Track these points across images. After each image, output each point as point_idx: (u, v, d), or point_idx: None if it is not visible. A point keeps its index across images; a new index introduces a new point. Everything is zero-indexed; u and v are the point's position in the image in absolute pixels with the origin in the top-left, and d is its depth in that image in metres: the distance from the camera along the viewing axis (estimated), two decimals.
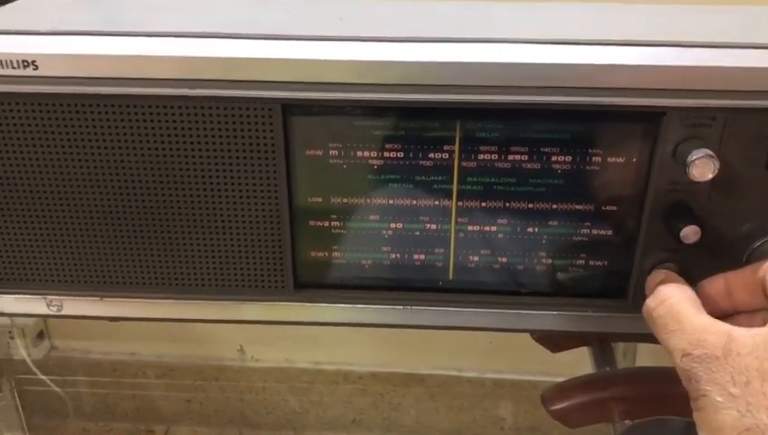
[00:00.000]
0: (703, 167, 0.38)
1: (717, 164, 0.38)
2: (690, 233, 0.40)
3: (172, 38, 0.40)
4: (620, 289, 0.45)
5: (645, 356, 0.89)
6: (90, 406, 1.11)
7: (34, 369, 1.05)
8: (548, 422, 1.04)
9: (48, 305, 0.47)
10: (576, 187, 0.43)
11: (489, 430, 1.08)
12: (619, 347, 0.86)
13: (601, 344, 0.57)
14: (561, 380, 0.53)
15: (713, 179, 0.39)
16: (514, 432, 1.09)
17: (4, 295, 0.47)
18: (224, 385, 1.13)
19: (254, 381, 1.13)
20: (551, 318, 0.46)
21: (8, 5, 0.47)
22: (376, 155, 0.43)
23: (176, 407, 1.12)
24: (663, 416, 0.50)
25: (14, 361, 1.08)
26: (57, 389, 1.07)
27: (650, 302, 0.38)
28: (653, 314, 0.37)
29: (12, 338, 1.08)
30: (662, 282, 0.39)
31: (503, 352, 1.05)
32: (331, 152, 0.43)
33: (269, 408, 1.12)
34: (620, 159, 0.42)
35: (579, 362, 0.59)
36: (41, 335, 1.12)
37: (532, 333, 0.52)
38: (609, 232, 0.44)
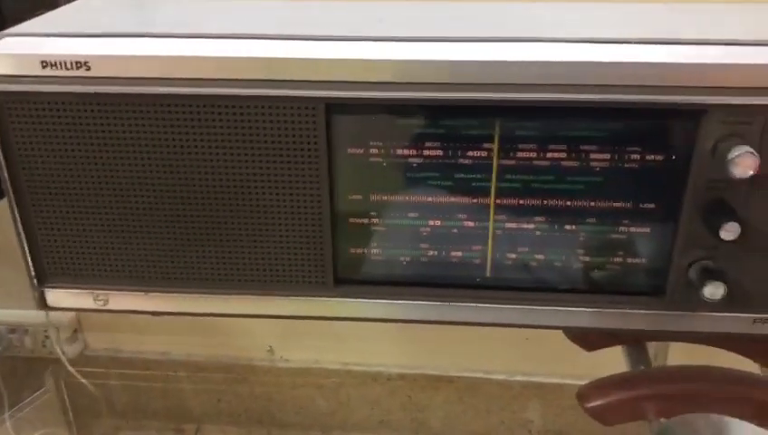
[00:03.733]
0: (743, 164, 0.38)
1: (758, 161, 0.38)
2: (730, 230, 0.40)
3: (218, 39, 0.41)
4: (658, 287, 0.45)
5: (676, 357, 0.88)
6: (122, 404, 1.13)
7: (69, 367, 1.07)
8: (576, 425, 1.03)
9: (95, 300, 0.49)
10: (614, 184, 0.43)
11: (517, 432, 1.08)
12: (651, 348, 0.85)
13: (636, 344, 0.57)
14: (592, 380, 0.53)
15: (753, 177, 0.39)
16: None
17: (54, 290, 0.48)
18: (253, 385, 1.13)
19: (283, 381, 1.13)
20: (587, 315, 0.47)
21: (61, 8, 0.48)
22: (415, 153, 0.43)
23: (206, 406, 1.13)
24: (697, 413, 0.50)
25: (48, 359, 1.10)
26: (90, 386, 1.08)
27: None
28: None
29: (47, 337, 1.10)
30: None
31: (532, 355, 1.05)
32: (371, 150, 0.43)
33: (297, 408, 1.12)
34: (659, 157, 0.42)
35: (607, 363, 0.59)
36: (75, 334, 1.14)
37: (568, 331, 0.53)
38: (647, 229, 0.44)
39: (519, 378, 1.09)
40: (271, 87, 0.41)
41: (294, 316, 0.49)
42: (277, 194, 0.44)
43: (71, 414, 0.97)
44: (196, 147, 0.43)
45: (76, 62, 0.41)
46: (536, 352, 1.02)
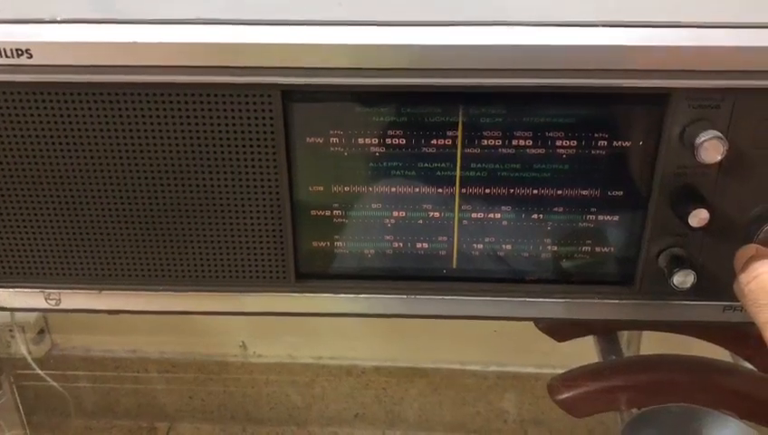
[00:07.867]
0: (711, 148, 0.38)
1: (726, 146, 0.38)
2: (698, 216, 0.39)
3: (168, 25, 0.39)
4: (627, 276, 0.45)
5: (649, 346, 0.88)
6: (91, 403, 1.11)
7: (35, 366, 1.05)
8: (551, 414, 1.04)
9: (46, 299, 0.47)
10: (581, 172, 0.42)
11: (492, 422, 1.08)
12: (623, 337, 0.85)
13: (607, 333, 0.56)
14: (564, 371, 0.53)
15: (721, 162, 0.38)
16: (518, 425, 1.08)
17: (2, 289, 0.46)
18: (226, 381, 1.12)
19: (257, 376, 1.12)
20: (557, 306, 0.46)
21: None
22: (377, 142, 0.42)
23: (178, 403, 1.12)
24: (669, 404, 0.49)
25: (14, 358, 1.07)
26: (58, 386, 1.06)
27: (743, 277, 0.38)
28: (744, 288, 0.38)
29: (12, 336, 1.07)
30: (753, 257, 0.39)
31: (506, 345, 1.05)
32: (331, 140, 0.42)
33: (272, 403, 1.11)
34: (627, 143, 0.41)
35: (582, 353, 0.58)
36: (41, 333, 1.12)
37: (538, 322, 0.52)
38: (616, 218, 0.43)
39: (493, 368, 1.09)
40: (224, 74, 0.39)
41: (257, 313, 0.47)
42: (234, 186, 0.42)
43: (23, 415, 0.95)
44: (146, 138, 0.41)
45: (16, 50, 0.39)
46: (510, 343, 1.02)
